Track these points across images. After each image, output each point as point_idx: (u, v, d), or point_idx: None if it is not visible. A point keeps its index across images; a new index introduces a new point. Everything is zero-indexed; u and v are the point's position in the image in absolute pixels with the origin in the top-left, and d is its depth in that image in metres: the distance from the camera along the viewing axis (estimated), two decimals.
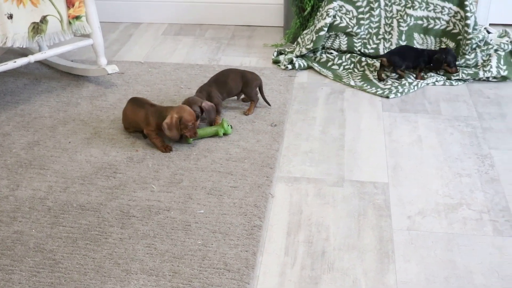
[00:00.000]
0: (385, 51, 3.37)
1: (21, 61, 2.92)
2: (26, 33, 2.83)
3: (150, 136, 2.63)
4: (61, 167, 2.52)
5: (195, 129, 2.59)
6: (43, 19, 2.87)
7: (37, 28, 2.86)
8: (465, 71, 3.21)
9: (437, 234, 2.12)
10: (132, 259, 2.01)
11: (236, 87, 2.88)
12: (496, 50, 3.22)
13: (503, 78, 3.19)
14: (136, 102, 2.71)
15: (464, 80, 3.19)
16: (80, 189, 2.38)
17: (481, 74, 3.18)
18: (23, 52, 3.49)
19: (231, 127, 2.73)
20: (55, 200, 2.32)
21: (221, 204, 2.27)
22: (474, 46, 3.27)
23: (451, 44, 3.33)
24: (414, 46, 3.30)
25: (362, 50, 3.40)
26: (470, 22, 3.22)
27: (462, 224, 2.17)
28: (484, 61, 3.23)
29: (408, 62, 3.16)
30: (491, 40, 3.39)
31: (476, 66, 3.25)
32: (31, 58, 2.96)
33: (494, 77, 3.20)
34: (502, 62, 3.20)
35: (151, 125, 2.61)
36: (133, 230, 2.14)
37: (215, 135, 2.70)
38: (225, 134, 2.71)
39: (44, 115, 2.93)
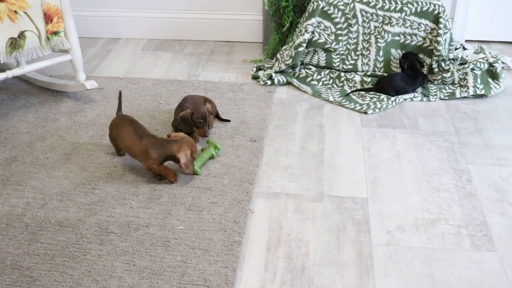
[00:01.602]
0: (363, 67, 3.41)
1: None
2: (4, 49, 2.81)
3: (153, 168, 2.48)
4: (39, 183, 2.50)
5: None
6: (21, 35, 2.85)
7: (15, 43, 2.84)
8: (443, 91, 3.25)
9: (416, 249, 2.13)
10: (110, 276, 1.99)
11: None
12: (472, 69, 3.26)
13: (480, 95, 3.24)
14: (137, 132, 2.53)
15: (442, 98, 3.22)
16: (58, 205, 2.36)
17: (458, 93, 3.22)
18: (1, 68, 3.46)
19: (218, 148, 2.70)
20: (33, 216, 2.29)
21: (201, 220, 2.26)
22: (447, 62, 3.31)
23: (427, 60, 3.37)
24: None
25: (340, 66, 3.42)
26: (441, 39, 3.27)
27: (441, 238, 2.18)
28: (461, 79, 3.28)
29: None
30: (467, 56, 3.45)
31: (453, 83, 3.29)
32: (9, 74, 2.94)
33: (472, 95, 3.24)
34: (478, 81, 3.24)
35: (152, 157, 2.46)
36: (112, 247, 2.13)
37: (211, 158, 2.66)
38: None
39: (22, 130, 2.91)
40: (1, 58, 2.82)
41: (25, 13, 2.84)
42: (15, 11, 2.81)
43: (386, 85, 3.22)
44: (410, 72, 3.24)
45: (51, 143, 2.80)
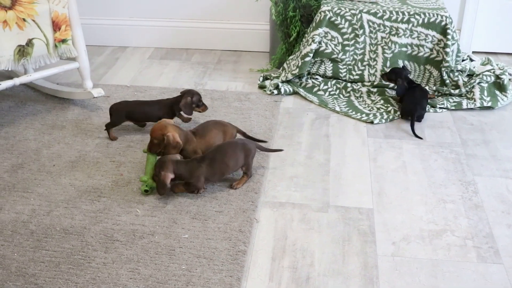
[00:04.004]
0: (370, 78, 3.41)
1: (6, 84, 2.91)
2: (12, 56, 2.83)
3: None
4: (45, 191, 2.50)
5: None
6: (29, 42, 2.87)
7: (23, 51, 2.86)
8: (449, 100, 3.25)
9: (422, 260, 2.12)
10: (115, 284, 1.99)
11: None
12: (479, 83, 3.25)
13: (487, 107, 3.23)
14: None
15: (448, 109, 3.22)
16: (64, 212, 2.36)
17: (464, 104, 3.22)
18: (9, 75, 3.48)
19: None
20: (38, 223, 2.30)
21: (206, 229, 2.26)
22: (456, 74, 3.31)
23: (435, 72, 3.37)
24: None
25: (347, 77, 3.42)
26: (449, 50, 3.27)
27: (446, 250, 2.17)
28: (467, 92, 3.27)
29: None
30: (474, 67, 3.44)
31: (460, 95, 3.28)
32: (17, 81, 2.95)
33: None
34: (485, 93, 3.24)
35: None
36: (117, 255, 2.13)
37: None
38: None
39: (28, 138, 2.92)
40: (9, 65, 2.83)
41: (34, 21, 2.86)
42: (24, 19, 2.82)
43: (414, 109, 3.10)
44: (419, 90, 3.18)
45: (58, 151, 2.80)
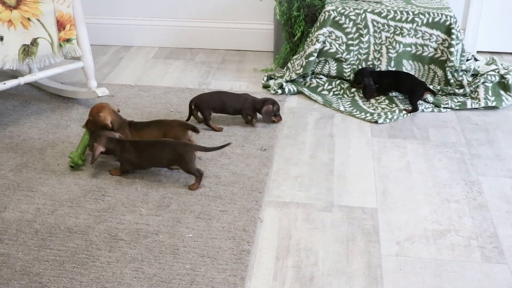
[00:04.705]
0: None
1: (10, 83, 2.92)
2: (17, 55, 2.83)
3: None
4: (49, 190, 2.51)
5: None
6: (34, 42, 2.87)
7: (27, 50, 2.86)
8: (454, 100, 3.24)
9: (426, 260, 2.12)
10: (119, 283, 1.99)
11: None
12: (483, 83, 3.25)
13: (491, 107, 3.23)
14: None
15: (452, 109, 3.22)
16: (68, 211, 2.36)
17: (469, 104, 3.21)
18: (13, 74, 3.49)
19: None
20: (43, 222, 2.30)
21: (210, 228, 2.26)
22: (460, 73, 3.31)
23: (439, 72, 3.37)
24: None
25: (351, 76, 3.42)
26: (454, 49, 3.27)
27: (451, 250, 2.17)
28: (472, 91, 3.27)
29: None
30: (478, 67, 3.44)
31: (464, 95, 3.28)
32: (21, 80, 2.96)
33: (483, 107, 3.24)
34: (490, 93, 3.23)
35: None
36: (121, 254, 2.13)
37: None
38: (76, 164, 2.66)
39: (33, 137, 2.92)
40: (14, 64, 2.84)
41: (38, 20, 2.86)
42: (28, 18, 2.83)
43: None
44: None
45: (62, 150, 2.81)
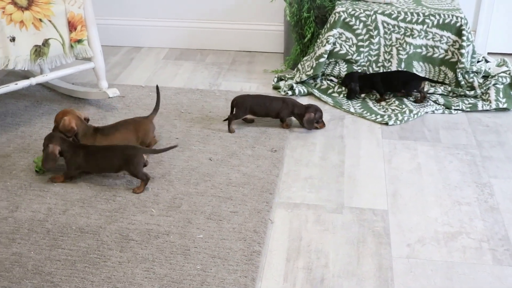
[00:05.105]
0: None
1: (22, 83, 2.94)
2: (28, 56, 2.85)
3: None
4: (60, 189, 2.52)
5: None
6: (45, 42, 2.89)
7: (39, 51, 2.88)
8: (465, 101, 3.24)
9: (437, 263, 2.12)
10: (130, 283, 2.00)
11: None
12: (494, 84, 3.24)
13: (502, 108, 3.22)
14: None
15: (463, 110, 3.21)
16: (80, 211, 2.37)
17: (480, 106, 3.21)
18: (25, 75, 3.51)
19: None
20: (54, 222, 2.31)
21: (221, 229, 2.27)
22: (471, 75, 3.30)
23: (450, 73, 3.36)
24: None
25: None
26: (464, 51, 3.26)
27: (462, 252, 2.17)
28: (483, 93, 3.26)
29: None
30: (489, 68, 3.43)
31: (475, 97, 3.27)
32: (33, 81, 2.97)
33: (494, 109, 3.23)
34: (501, 95, 3.22)
35: None
36: (132, 254, 2.14)
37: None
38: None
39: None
40: (26, 65, 2.86)
41: (50, 21, 2.88)
42: (40, 19, 2.84)
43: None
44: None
45: None
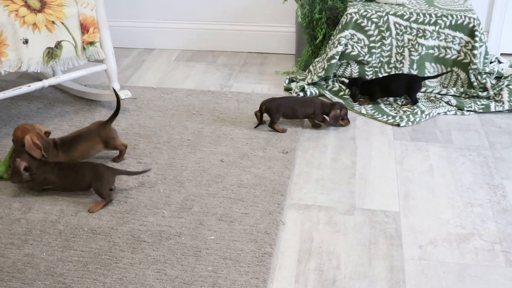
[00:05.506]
0: None
1: (35, 85, 2.95)
2: (41, 58, 2.87)
3: None
4: None
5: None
6: (58, 45, 2.90)
7: (51, 53, 2.89)
8: (477, 103, 3.22)
9: (449, 265, 2.11)
10: (142, 284, 2.01)
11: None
12: (507, 85, 3.22)
13: None
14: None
15: (476, 112, 3.19)
16: (91, 213, 2.38)
17: (492, 107, 3.19)
18: (37, 77, 3.53)
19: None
20: (66, 223, 2.32)
21: (232, 231, 2.27)
22: (484, 76, 3.28)
23: (462, 74, 3.34)
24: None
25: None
26: (477, 52, 3.24)
27: (474, 254, 2.15)
28: (495, 94, 3.24)
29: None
30: (502, 69, 3.41)
31: (488, 98, 3.26)
32: (45, 83, 2.99)
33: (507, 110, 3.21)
34: None
35: None
36: (144, 255, 2.14)
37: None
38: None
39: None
40: (38, 67, 2.87)
41: (62, 23, 2.89)
42: (53, 22, 2.86)
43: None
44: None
45: None
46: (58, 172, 2.47)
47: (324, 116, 3.03)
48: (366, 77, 3.40)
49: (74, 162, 2.57)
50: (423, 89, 3.32)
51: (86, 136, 2.67)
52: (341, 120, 3.03)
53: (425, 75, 3.34)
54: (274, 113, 2.97)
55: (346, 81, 3.42)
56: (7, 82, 3.53)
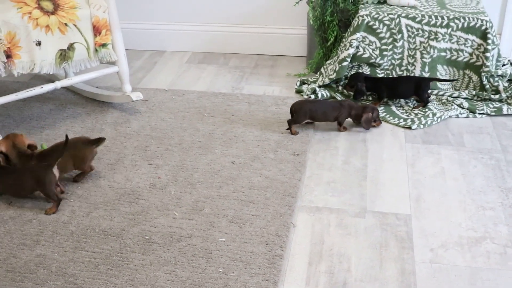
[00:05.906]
0: None
1: (47, 87, 2.97)
2: (54, 60, 2.88)
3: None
4: (84, 192, 2.54)
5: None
6: (70, 46, 2.92)
7: (64, 55, 2.91)
8: (490, 105, 3.21)
9: (460, 268, 2.10)
10: (153, 285, 2.01)
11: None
12: None
13: None
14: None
15: (488, 114, 3.18)
16: (103, 214, 2.39)
17: (504, 110, 3.17)
18: (50, 78, 3.55)
19: None
20: (78, 224, 2.33)
21: (243, 233, 2.27)
22: (496, 79, 3.27)
23: (474, 77, 3.33)
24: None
25: None
26: (489, 54, 3.23)
27: (486, 258, 2.14)
28: (508, 97, 3.23)
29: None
30: None
31: (500, 101, 3.24)
32: (58, 84, 3.01)
33: None
34: None
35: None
36: (155, 257, 2.15)
37: None
38: None
39: None
40: (51, 69, 2.89)
41: (75, 25, 2.91)
42: (65, 24, 2.87)
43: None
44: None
45: (97, 153, 2.84)
46: (6, 176, 2.46)
47: (353, 118, 3.06)
48: (368, 74, 3.38)
49: (15, 168, 2.53)
50: (435, 92, 3.32)
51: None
52: (373, 122, 3.04)
53: (423, 76, 3.32)
54: (300, 115, 2.98)
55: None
56: (19, 84, 3.56)
